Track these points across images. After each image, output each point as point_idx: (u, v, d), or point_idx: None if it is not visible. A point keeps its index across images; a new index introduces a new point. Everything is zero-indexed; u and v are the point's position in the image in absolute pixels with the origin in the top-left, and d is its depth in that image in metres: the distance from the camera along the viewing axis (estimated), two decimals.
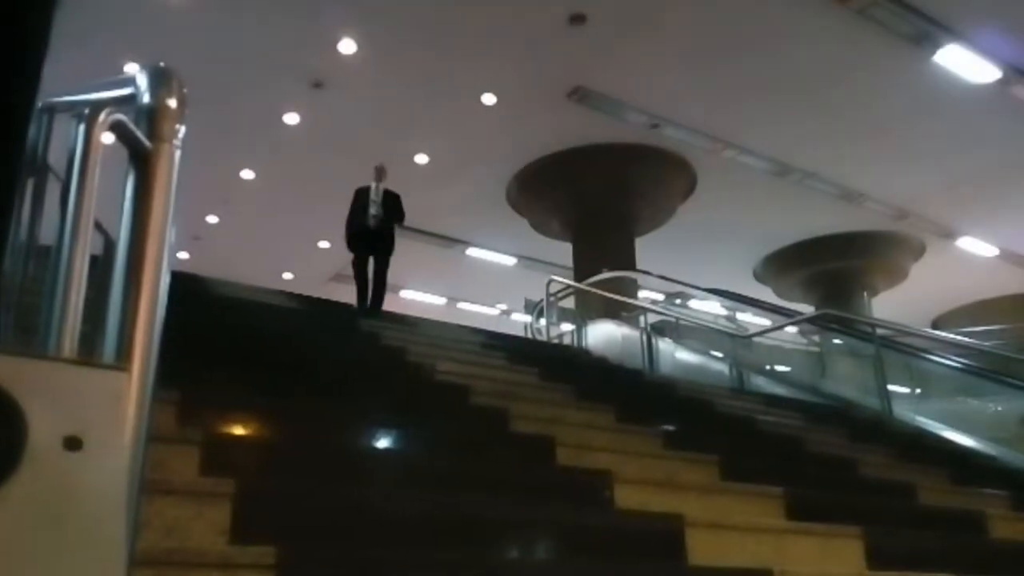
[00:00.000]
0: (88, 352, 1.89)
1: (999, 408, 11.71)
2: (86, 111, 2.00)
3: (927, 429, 11.01)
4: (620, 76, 17.68)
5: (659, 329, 15.80)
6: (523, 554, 3.89)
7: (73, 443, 1.62)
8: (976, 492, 7.10)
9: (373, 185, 14.01)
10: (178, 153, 2.05)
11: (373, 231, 13.69)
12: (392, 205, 13.93)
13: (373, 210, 13.76)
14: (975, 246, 26.52)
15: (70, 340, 1.85)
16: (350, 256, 13.95)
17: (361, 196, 14.05)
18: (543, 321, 17.11)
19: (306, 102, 18.63)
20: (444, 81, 17.73)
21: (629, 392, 9.33)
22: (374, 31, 16.32)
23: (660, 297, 19.07)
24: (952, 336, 14.20)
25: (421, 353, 8.32)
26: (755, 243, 26.42)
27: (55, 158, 2.95)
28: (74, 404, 1.65)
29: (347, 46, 16.67)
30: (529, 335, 17.77)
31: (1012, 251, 27.04)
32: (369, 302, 13.58)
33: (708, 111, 18.93)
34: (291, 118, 19.25)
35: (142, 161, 2.00)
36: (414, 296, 29.59)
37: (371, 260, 13.80)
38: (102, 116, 1.98)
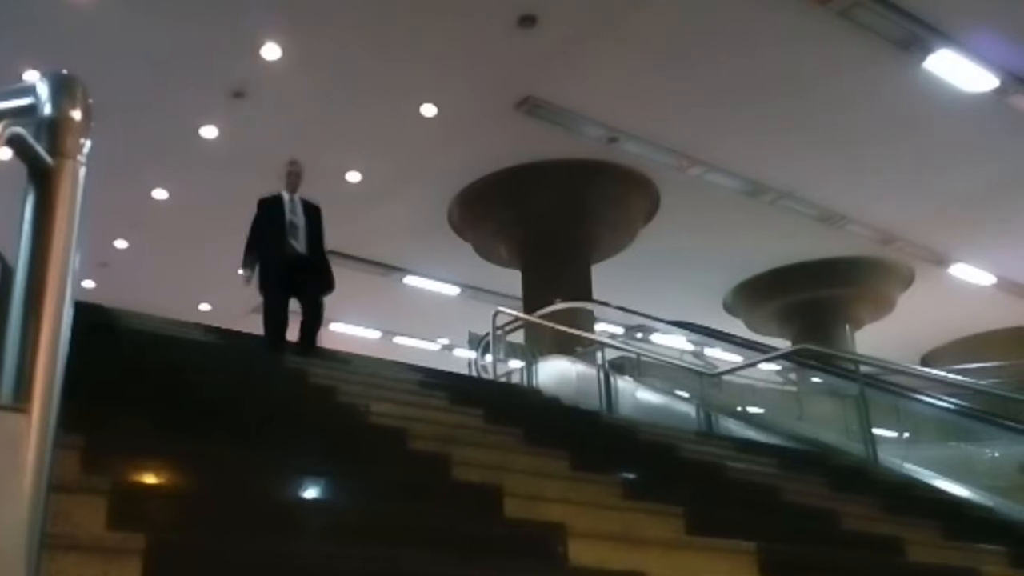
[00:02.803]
0: None
1: (996, 454, 11.79)
2: None
3: (916, 477, 11.06)
4: (575, 84, 17.74)
5: (618, 366, 15.83)
6: None
7: None
8: (971, 547, 7.13)
9: (286, 195, 11.89)
10: (83, 170, 2.06)
11: (298, 263, 11.51)
12: (316, 223, 11.93)
13: (295, 236, 11.57)
14: (970, 274, 26.79)
15: None
16: None
17: (270, 212, 11.78)
18: (489, 357, 17.10)
19: (225, 114, 18.55)
20: (379, 91, 17.70)
21: (585, 436, 9.34)
22: (301, 35, 16.25)
23: (619, 331, 19.12)
24: (944, 374, 14.30)
25: (353, 393, 8.31)
26: (725, 270, 26.56)
27: None
28: None
29: (271, 51, 16.57)
30: (473, 373, 17.81)
31: (1010, 279, 27.26)
32: (300, 341, 11.56)
33: (673, 124, 19.02)
34: (209, 131, 19.15)
35: (43, 179, 2.00)
36: (345, 329, 29.49)
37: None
38: None
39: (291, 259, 11.47)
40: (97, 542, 3.13)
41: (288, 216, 11.63)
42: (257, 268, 11.66)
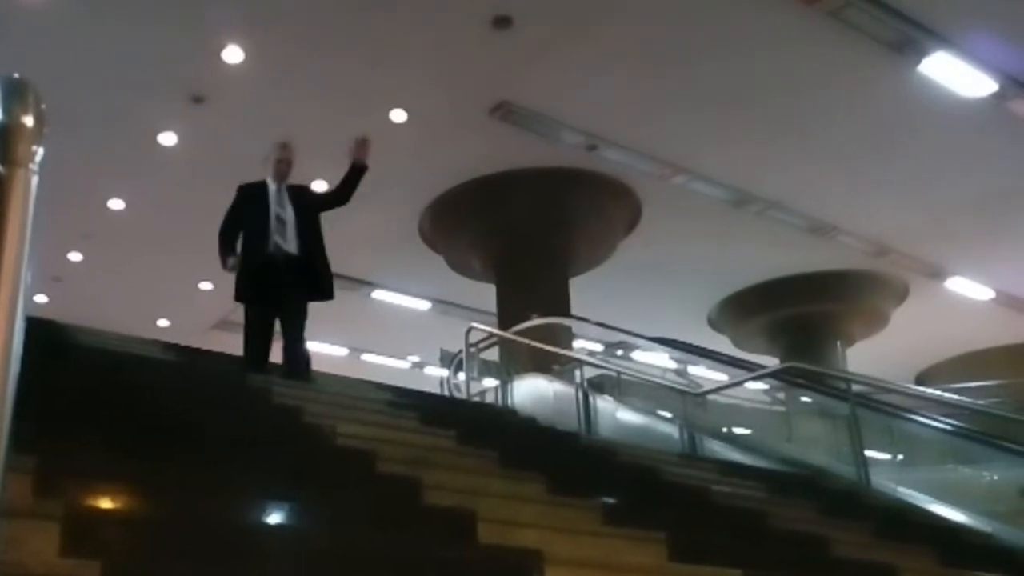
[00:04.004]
0: None
1: (995, 477, 11.79)
2: None
3: (911, 502, 11.06)
4: (552, 89, 17.72)
5: (597, 385, 15.77)
6: None
7: None
8: (968, 575, 7.15)
9: (272, 185, 10.60)
10: (35, 179, 2.05)
11: (285, 265, 10.24)
12: (310, 216, 10.78)
13: (280, 235, 10.22)
14: (967, 288, 26.82)
15: None
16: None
17: (251, 201, 10.44)
18: (462, 376, 17.07)
19: (185, 119, 18.46)
20: (346, 95, 17.65)
21: (562, 458, 9.34)
22: (264, 37, 16.18)
23: (599, 348, 19.12)
24: (940, 393, 14.33)
25: (319, 413, 8.27)
26: (710, 284, 26.55)
27: None
28: None
29: (233, 54, 16.48)
30: (445, 392, 17.73)
31: (1009, 294, 27.27)
32: (288, 365, 10.36)
33: (655, 130, 18.98)
34: (167, 138, 19.04)
35: None
36: (311, 346, 29.31)
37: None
38: None
39: (277, 261, 10.18)
40: (50, 570, 3.13)
41: (274, 208, 10.28)
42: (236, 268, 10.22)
